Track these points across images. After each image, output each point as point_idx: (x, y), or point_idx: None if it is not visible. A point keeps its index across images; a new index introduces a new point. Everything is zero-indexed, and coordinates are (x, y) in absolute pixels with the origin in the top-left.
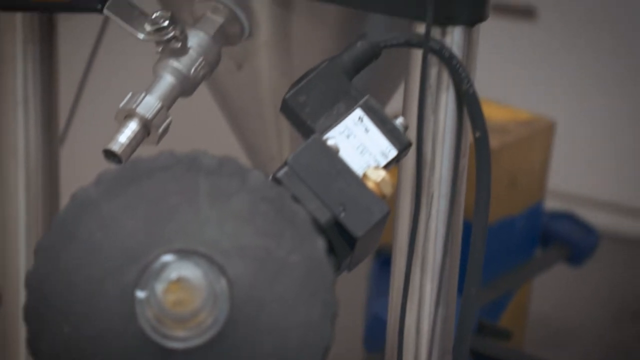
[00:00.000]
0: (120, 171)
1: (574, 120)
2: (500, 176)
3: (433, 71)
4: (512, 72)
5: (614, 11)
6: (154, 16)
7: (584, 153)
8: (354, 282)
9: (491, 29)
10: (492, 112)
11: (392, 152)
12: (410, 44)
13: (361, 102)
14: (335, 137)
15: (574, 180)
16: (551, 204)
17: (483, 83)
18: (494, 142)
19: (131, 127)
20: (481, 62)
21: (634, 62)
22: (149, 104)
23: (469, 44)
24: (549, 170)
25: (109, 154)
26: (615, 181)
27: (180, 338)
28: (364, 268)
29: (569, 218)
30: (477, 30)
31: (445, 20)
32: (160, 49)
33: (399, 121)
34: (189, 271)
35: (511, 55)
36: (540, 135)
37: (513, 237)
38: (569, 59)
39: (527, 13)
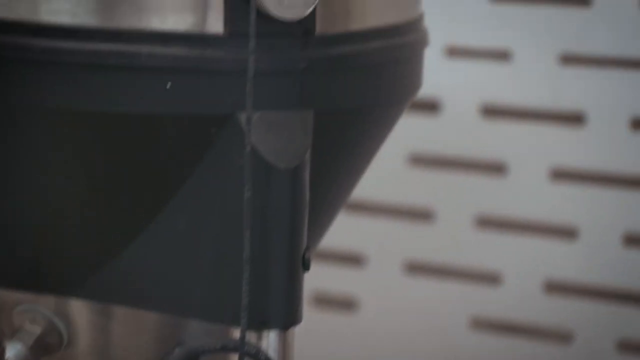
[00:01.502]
0: None
1: None
2: None
3: None
4: None
5: None
6: None
7: None
8: None
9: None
10: None
11: None
12: (226, 348)
13: None
14: None
15: None
16: None
17: None
18: None
19: None
20: None
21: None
22: None
23: (284, 346)
24: None
25: None
26: None
27: None
28: None
29: None
30: (291, 333)
31: (260, 325)
32: None
33: None
34: None
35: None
36: None
37: None
38: None
39: (354, 261)
